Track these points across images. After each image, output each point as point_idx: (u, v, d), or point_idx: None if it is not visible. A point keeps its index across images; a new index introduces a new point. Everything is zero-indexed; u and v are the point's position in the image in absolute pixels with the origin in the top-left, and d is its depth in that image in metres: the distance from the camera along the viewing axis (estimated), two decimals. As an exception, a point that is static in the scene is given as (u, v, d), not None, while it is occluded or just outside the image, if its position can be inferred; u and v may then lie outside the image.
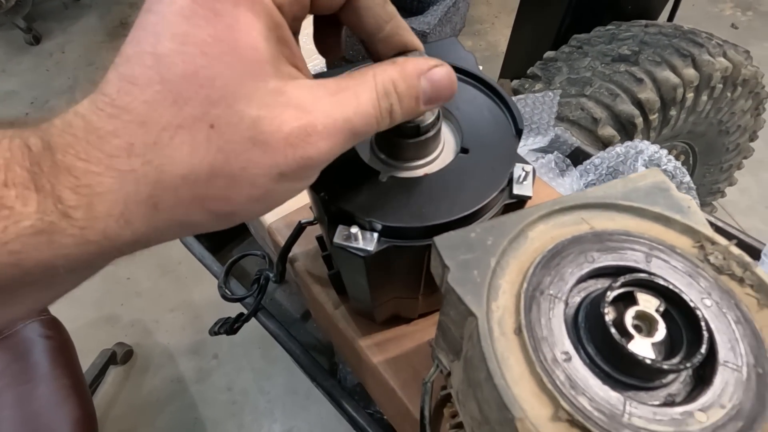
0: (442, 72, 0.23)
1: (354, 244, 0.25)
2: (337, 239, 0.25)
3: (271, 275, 0.49)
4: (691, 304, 0.19)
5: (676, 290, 0.20)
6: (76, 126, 0.17)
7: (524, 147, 0.66)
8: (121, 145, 0.17)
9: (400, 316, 0.38)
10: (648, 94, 0.91)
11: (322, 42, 0.27)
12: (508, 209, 0.27)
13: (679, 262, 0.22)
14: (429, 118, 0.26)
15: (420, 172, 0.27)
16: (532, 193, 0.26)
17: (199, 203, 0.18)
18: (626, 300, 0.21)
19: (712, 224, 0.59)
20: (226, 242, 0.70)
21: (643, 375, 0.19)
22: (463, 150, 0.28)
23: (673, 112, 0.96)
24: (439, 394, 0.33)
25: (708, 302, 0.21)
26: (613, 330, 0.19)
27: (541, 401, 0.19)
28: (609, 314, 0.19)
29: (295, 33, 0.23)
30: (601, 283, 0.22)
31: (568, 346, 0.20)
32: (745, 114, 1.11)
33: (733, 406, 0.18)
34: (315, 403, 1.46)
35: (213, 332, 0.57)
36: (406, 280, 0.31)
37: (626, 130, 0.93)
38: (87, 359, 1.40)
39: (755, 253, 0.49)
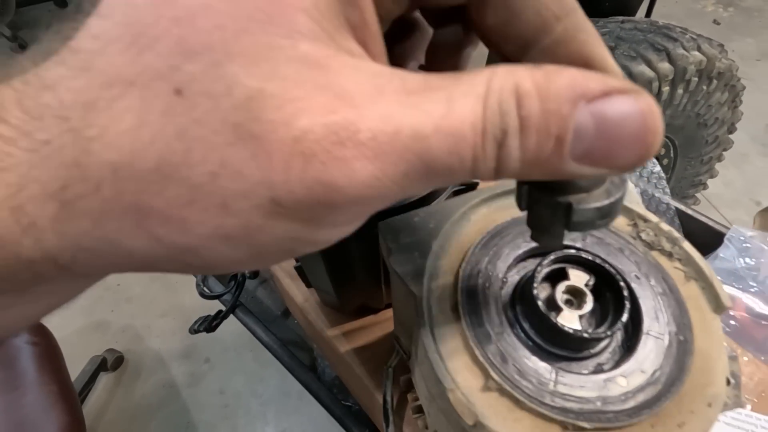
0: (630, 107, 0.12)
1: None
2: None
3: (246, 271, 0.50)
4: (616, 277, 0.20)
5: (603, 264, 0.21)
6: (13, 68, 0.11)
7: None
8: (48, 99, 0.11)
9: (368, 306, 0.39)
10: (624, 88, 0.93)
11: (432, 62, 0.18)
12: (457, 195, 0.28)
13: (613, 239, 0.23)
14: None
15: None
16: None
17: (135, 218, 0.11)
18: (561, 276, 0.22)
19: (681, 212, 0.60)
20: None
21: (572, 345, 0.20)
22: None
23: (649, 106, 0.98)
24: (401, 380, 0.33)
25: (636, 275, 0.22)
26: (539, 302, 0.20)
27: (474, 373, 0.20)
28: (538, 289, 0.20)
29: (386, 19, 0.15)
30: (537, 263, 0.23)
31: (503, 321, 0.21)
32: (722, 106, 1.13)
33: (654, 371, 0.19)
34: (307, 405, 1.46)
35: (193, 330, 0.57)
36: (366, 268, 0.32)
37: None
38: (77, 366, 1.40)
39: (720, 238, 0.51)
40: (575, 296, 0.21)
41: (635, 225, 0.24)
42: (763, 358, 0.51)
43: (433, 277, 0.22)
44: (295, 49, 0.11)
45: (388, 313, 0.40)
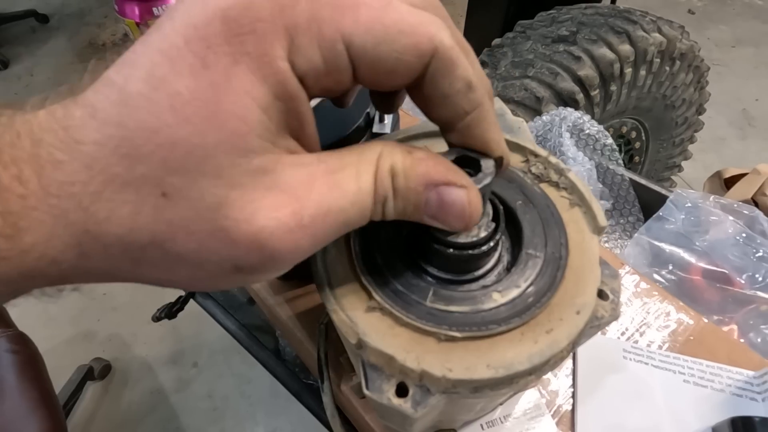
0: (458, 196, 0.18)
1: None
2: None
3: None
4: (494, 201, 0.21)
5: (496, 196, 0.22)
6: (24, 137, 0.15)
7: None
8: (62, 180, 0.15)
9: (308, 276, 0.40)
10: (587, 71, 0.95)
11: (374, 96, 0.23)
12: (375, 138, 0.29)
13: (505, 173, 0.24)
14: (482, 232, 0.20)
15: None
16: (387, 131, 0.28)
17: (134, 264, 0.16)
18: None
19: (634, 181, 0.61)
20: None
21: (449, 266, 0.21)
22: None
23: (613, 88, 0.99)
24: (336, 337, 0.34)
25: (521, 203, 0.23)
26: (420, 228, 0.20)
27: (360, 297, 0.20)
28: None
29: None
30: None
31: (392, 250, 0.22)
32: (687, 87, 1.15)
33: (528, 285, 0.20)
34: (297, 403, 1.45)
35: (155, 318, 0.58)
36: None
37: (569, 107, 0.96)
38: (64, 377, 1.39)
39: (663, 199, 0.52)
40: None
41: (527, 161, 0.25)
42: (716, 317, 0.52)
43: (330, 215, 0.23)
44: (249, 164, 0.15)
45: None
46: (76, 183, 0.15)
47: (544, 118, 0.64)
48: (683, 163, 1.39)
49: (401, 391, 0.19)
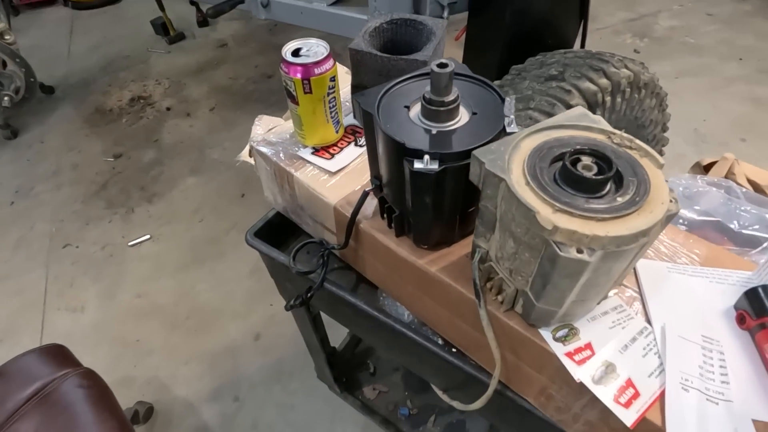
0: None
1: (428, 167, 0.44)
2: (417, 165, 0.44)
3: (335, 246, 0.66)
4: (608, 155, 0.39)
5: (602, 151, 0.40)
6: None
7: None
8: None
9: (443, 242, 0.57)
10: (577, 101, 1.18)
11: None
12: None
13: (599, 143, 0.43)
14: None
15: (453, 127, 0.47)
16: (517, 130, 0.47)
17: None
18: (577, 161, 0.41)
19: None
20: (285, 240, 0.84)
21: (590, 189, 0.39)
22: (474, 113, 0.48)
23: (598, 113, 1.23)
24: (483, 268, 0.51)
25: (616, 157, 0.41)
26: (572, 168, 0.38)
27: (545, 207, 0.38)
28: (569, 164, 0.39)
29: None
30: (566, 155, 0.42)
31: (553, 184, 0.39)
32: (653, 110, 1.41)
33: (634, 193, 0.38)
34: (340, 424, 1.53)
35: (289, 307, 0.72)
36: (454, 197, 0.49)
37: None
38: (110, 421, 1.42)
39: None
40: (585, 168, 0.40)
41: (609, 137, 0.43)
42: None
43: (510, 171, 0.41)
44: None
45: (456, 246, 0.58)
46: None
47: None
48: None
49: (578, 252, 0.36)
